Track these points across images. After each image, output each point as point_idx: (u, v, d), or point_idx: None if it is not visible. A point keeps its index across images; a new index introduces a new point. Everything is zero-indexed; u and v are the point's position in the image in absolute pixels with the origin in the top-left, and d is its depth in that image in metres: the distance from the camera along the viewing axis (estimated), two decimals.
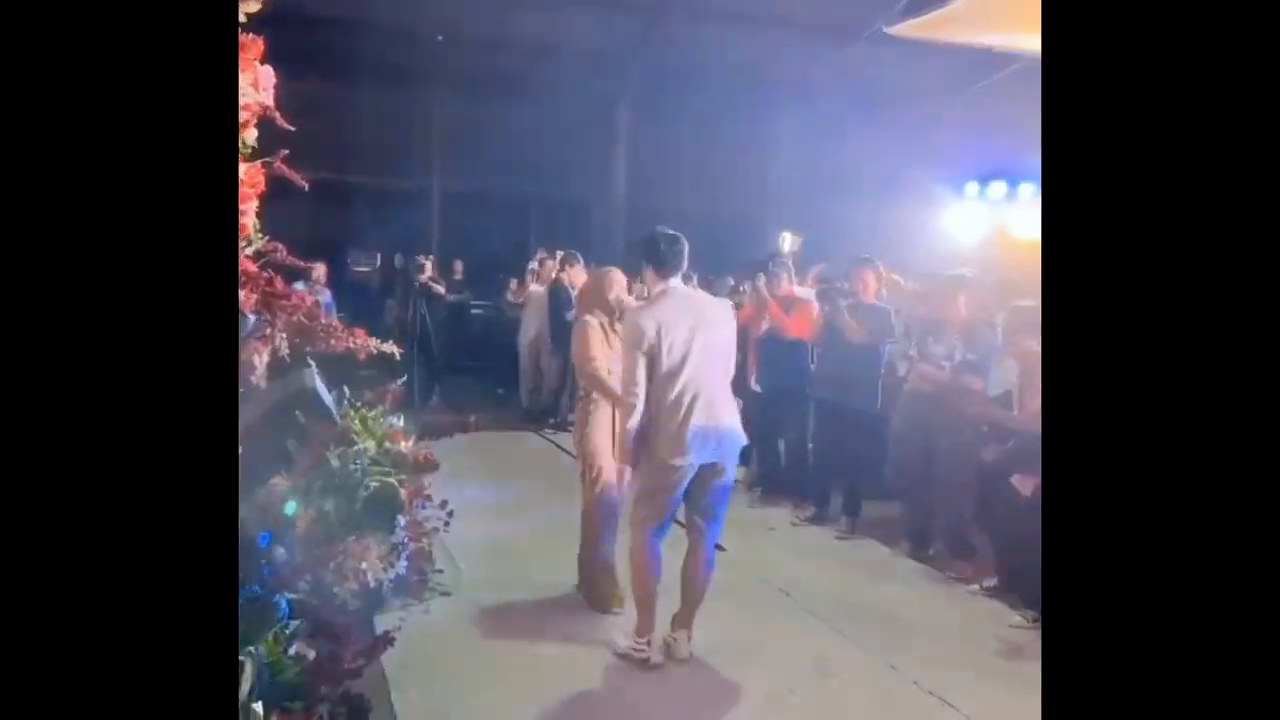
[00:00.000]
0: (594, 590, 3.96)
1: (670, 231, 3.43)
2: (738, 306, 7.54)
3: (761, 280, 5.94)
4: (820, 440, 5.59)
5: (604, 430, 3.90)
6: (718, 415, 3.32)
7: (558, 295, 8.09)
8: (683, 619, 3.60)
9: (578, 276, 8.18)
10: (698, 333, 3.31)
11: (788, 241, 8.16)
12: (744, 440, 3.47)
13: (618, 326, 3.95)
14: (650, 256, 3.39)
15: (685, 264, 3.44)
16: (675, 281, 3.40)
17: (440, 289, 9.70)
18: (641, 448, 3.35)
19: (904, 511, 5.15)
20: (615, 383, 3.65)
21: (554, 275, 8.56)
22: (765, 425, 6.05)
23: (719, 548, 4.86)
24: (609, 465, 3.86)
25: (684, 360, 3.27)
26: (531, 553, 4.67)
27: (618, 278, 4.00)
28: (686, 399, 3.28)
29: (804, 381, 5.77)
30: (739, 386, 6.33)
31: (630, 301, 4.12)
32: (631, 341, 3.28)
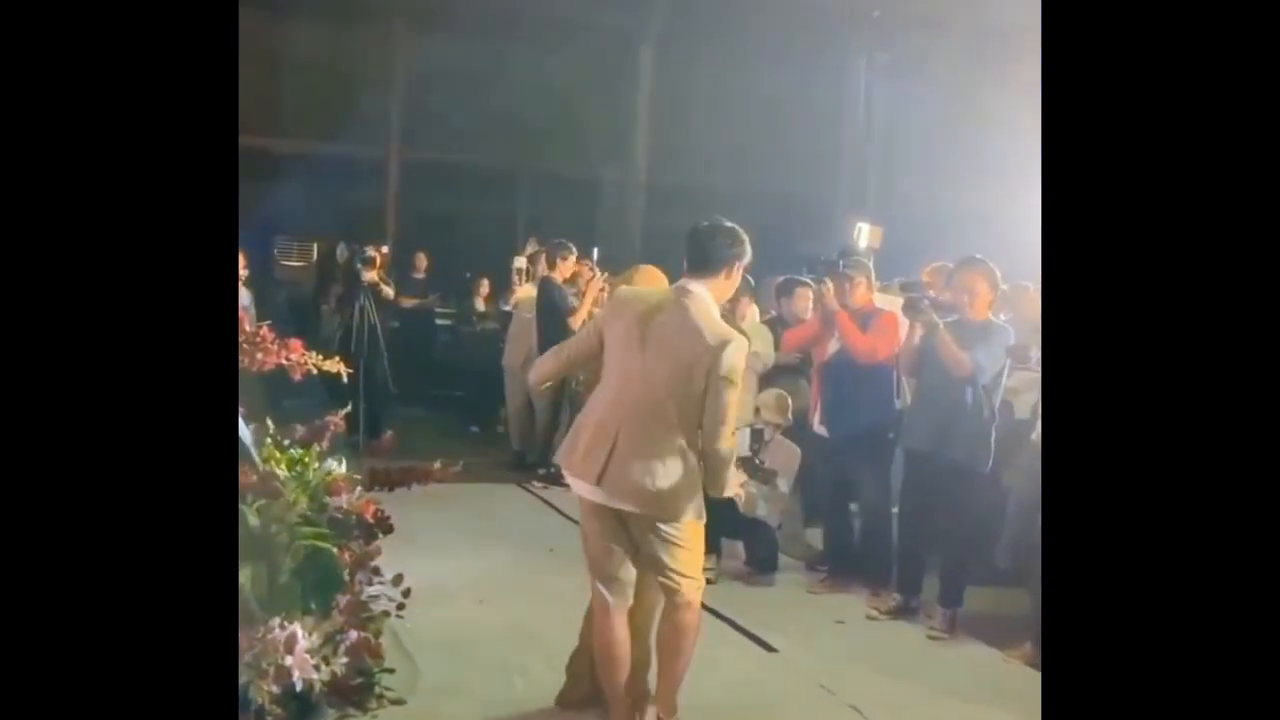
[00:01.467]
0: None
1: (726, 224, 3.64)
2: (794, 322, 7.59)
3: (829, 286, 5.94)
4: (909, 505, 5.56)
5: None
6: (621, 448, 3.46)
7: (549, 297, 8.12)
8: (661, 697, 3.72)
9: (569, 270, 8.23)
10: (656, 351, 3.47)
11: (865, 235, 8.19)
12: (660, 508, 3.47)
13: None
14: (688, 244, 3.63)
15: (729, 269, 3.57)
16: (694, 285, 3.56)
17: (389, 291, 9.76)
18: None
19: (1027, 604, 5.10)
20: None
21: (524, 275, 8.59)
22: (833, 482, 6.02)
23: (767, 647, 4.88)
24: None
25: (616, 369, 3.55)
26: (514, 650, 4.65)
27: (647, 275, 4.02)
28: (598, 411, 3.57)
29: (886, 423, 5.75)
30: (798, 429, 6.42)
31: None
32: (596, 317, 3.79)
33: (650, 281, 3.97)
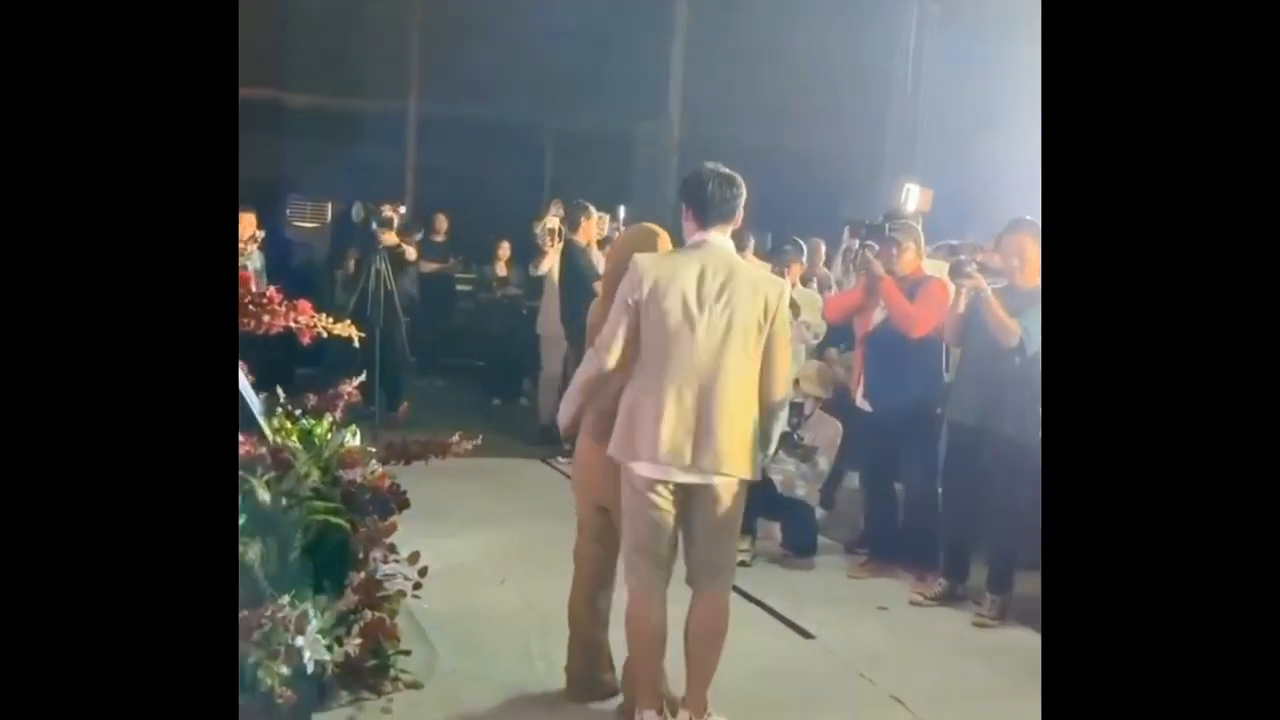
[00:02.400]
0: (626, 685, 3.97)
1: (725, 170, 3.67)
2: (834, 287, 7.54)
3: (874, 252, 5.89)
4: (954, 484, 5.53)
5: None
6: (708, 419, 3.50)
7: (574, 260, 8.11)
8: (691, 698, 3.71)
9: (592, 232, 8.21)
10: (712, 308, 3.52)
11: (914, 197, 8.09)
12: (746, 468, 3.58)
13: None
14: (692, 196, 3.64)
15: (737, 217, 3.65)
16: (716, 236, 3.63)
17: (411, 251, 9.77)
18: (605, 435, 3.63)
19: None
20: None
21: (557, 235, 8.56)
22: (876, 460, 5.99)
23: (804, 633, 4.88)
24: None
25: (676, 337, 3.51)
26: (535, 632, 4.68)
27: (666, 242, 4.00)
28: (666, 387, 3.50)
29: (934, 398, 5.71)
30: (840, 403, 6.39)
31: None
32: (623, 289, 3.58)
33: (660, 242, 3.93)
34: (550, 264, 8.92)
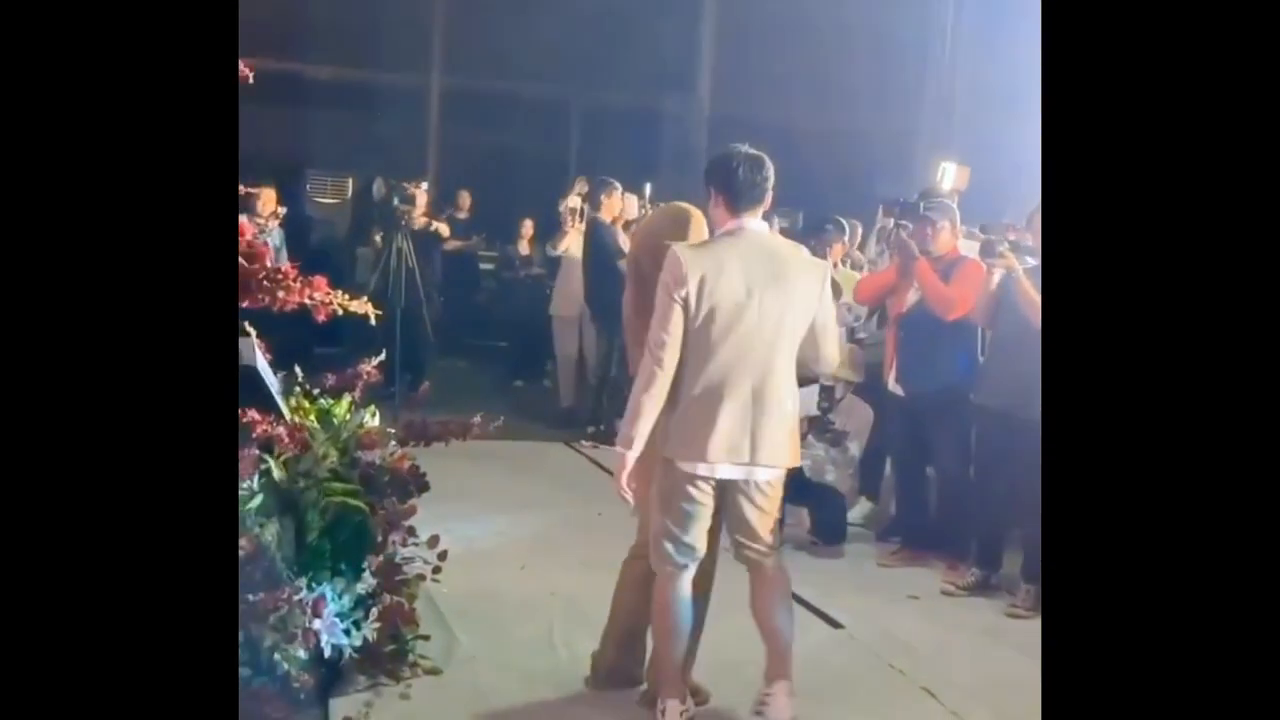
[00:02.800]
0: (650, 675, 3.97)
1: (752, 151, 3.62)
2: (866, 268, 7.48)
3: (908, 232, 5.86)
4: (985, 470, 5.51)
5: None
6: (763, 415, 3.52)
7: (599, 238, 8.10)
8: (774, 668, 3.75)
9: (615, 209, 8.19)
10: (763, 296, 3.50)
11: (950, 175, 8.05)
12: (794, 456, 3.67)
13: None
14: (721, 182, 3.59)
15: (768, 198, 3.62)
16: (751, 221, 3.59)
17: (443, 228, 9.78)
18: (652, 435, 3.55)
19: None
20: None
21: (578, 215, 8.55)
22: (908, 446, 5.97)
23: (833, 623, 4.87)
24: None
25: (729, 330, 3.47)
26: (557, 619, 4.69)
27: (701, 223, 3.96)
28: (722, 383, 3.49)
29: (968, 382, 5.68)
30: (871, 387, 6.37)
31: None
32: (667, 284, 3.48)
33: (694, 222, 3.89)
34: (569, 244, 8.91)
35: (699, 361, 3.50)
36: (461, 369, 10.83)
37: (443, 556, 4.13)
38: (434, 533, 4.12)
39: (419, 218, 8.81)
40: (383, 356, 4.50)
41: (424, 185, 9.64)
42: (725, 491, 3.63)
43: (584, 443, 8.21)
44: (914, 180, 9.41)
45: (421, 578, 4.10)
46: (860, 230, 8.39)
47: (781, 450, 3.60)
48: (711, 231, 3.75)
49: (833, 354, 3.74)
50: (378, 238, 9.85)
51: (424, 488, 4.12)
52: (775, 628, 3.75)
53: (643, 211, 8.15)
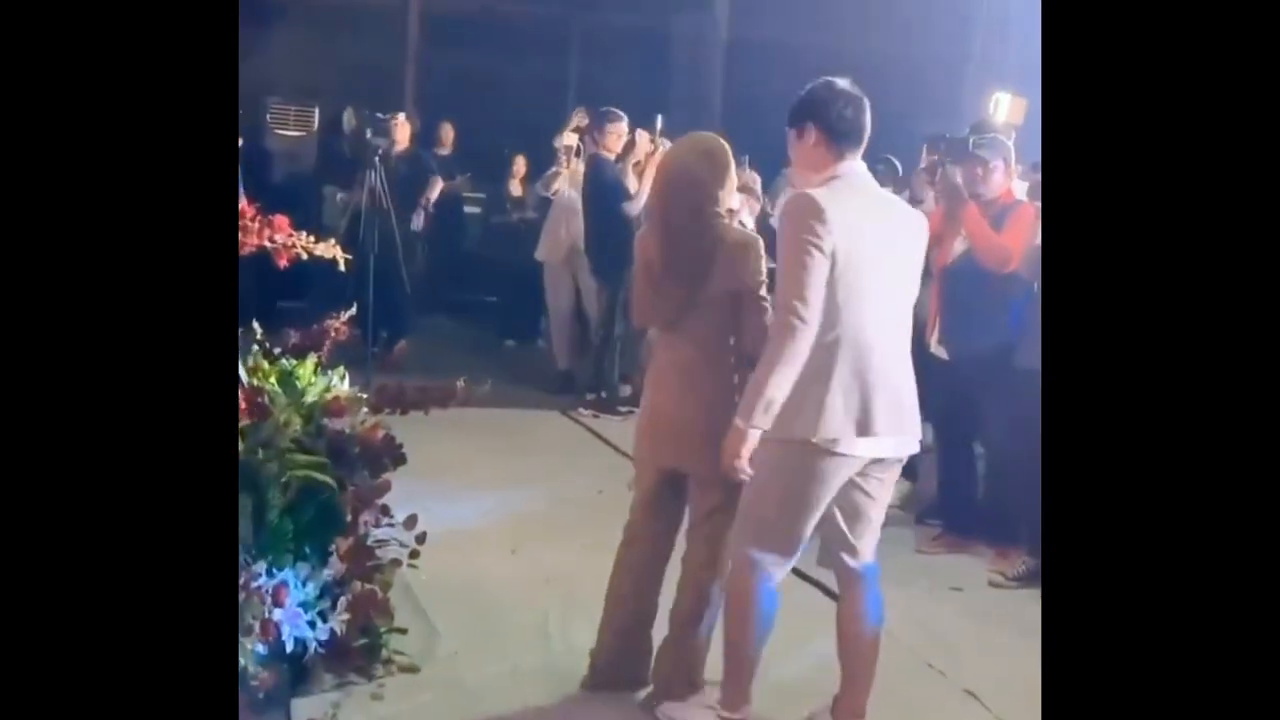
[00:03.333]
0: (657, 674, 3.97)
1: (849, 88, 3.63)
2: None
3: (957, 173, 5.81)
4: (1033, 441, 5.48)
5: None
6: (903, 387, 3.58)
7: (600, 176, 8.05)
8: (848, 706, 3.76)
9: (616, 143, 8.14)
10: (892, 249, 3.55)
11: (1004, 107, 7.99)
12: (918, 434, 3.68)
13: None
14: (823, 116, 3.58)
15: (866, 138, 3.63)
16: (856, 165, 3.60)
17: (455, 184, 9.78)
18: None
19: None
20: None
21: (574, 154, 8.50)
22: (953, 416, 5.96)
23: None
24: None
25: (869, 288, 3.47)
26: (551, 609, 4.71)
27: (725, 158, 3.90)
28: (863, 350, 3.48)
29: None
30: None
31: (742, 209, 4.08)
32: (808, 228, 3.40)
33: (727, 158, 3.87)
34: (561, 185, 8.87)
35: (838, 324, 3.44)
36: (444, 326, 10.84)
37: (421, 539, 4.12)
38: (411, 512, 4.12)
39: (396, 148, 8.76)
40: (354, 311, 4.47)
41: (401, 116, 9.60)
42: (849, 478, 3.61)
43: (583, 411, 8.20)
44: (962, 113, 9.35)
45: (397, 563, 4.10)
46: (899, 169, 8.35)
47: (913, 428, 3.63)
48: (798, 175, 3.77)
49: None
50: (330, 186, 9.88)
51: (400, 461, 4.11)
52: (865, 655, 3.76)
53: (653, 148, 8.09)
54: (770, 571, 3.64)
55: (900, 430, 3.58)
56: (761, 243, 3.88)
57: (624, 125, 8.20)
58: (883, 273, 3.50)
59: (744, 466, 3.49)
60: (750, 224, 4.04)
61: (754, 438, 3.44)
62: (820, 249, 3.37)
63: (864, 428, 3.46)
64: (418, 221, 9.82)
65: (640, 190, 7.72)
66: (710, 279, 3.78)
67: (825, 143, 3.56)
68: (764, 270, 3.81)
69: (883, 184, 6.88)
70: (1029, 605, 5.21)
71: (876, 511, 3.71)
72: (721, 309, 3.81)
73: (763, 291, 3.80)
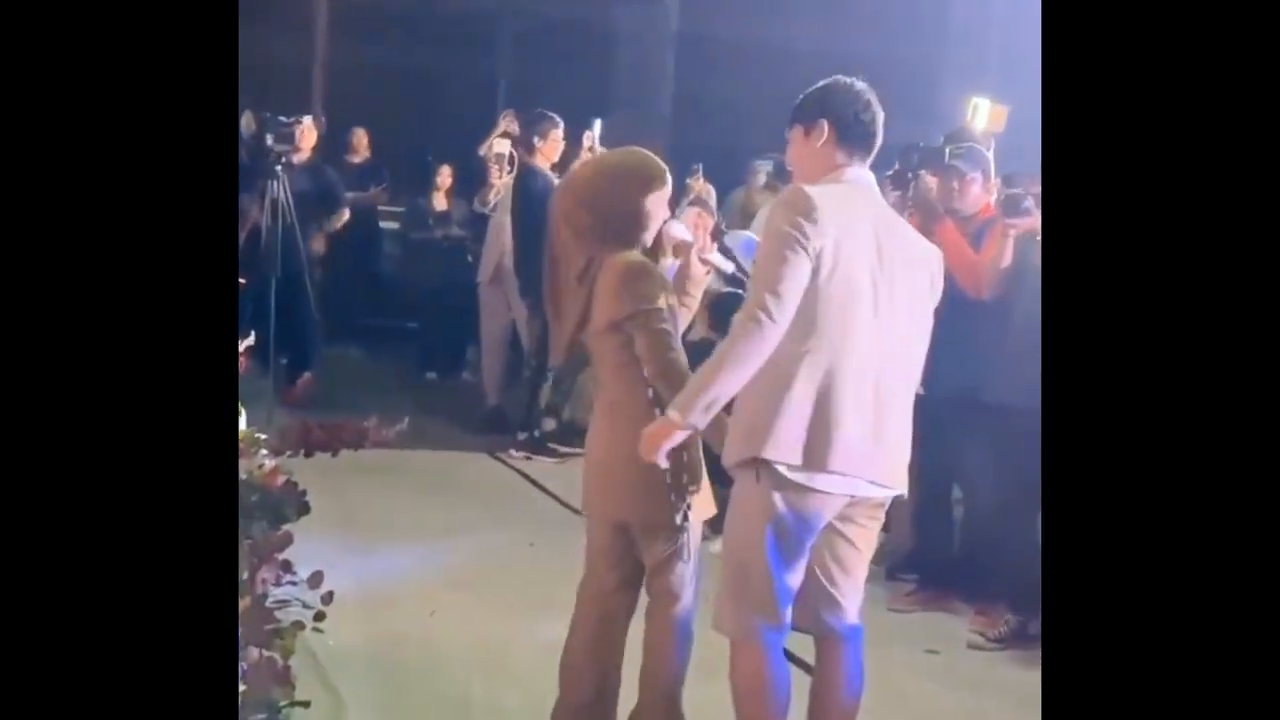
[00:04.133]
0: None
1: (859, 85, 3.69)
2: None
3: (932, 183, 5.87)
4: (1014, 486, 5.52)
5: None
6: (888, 421, 3.54)
7: (528, 191, 8.07)
8: None
9: (553, 151, 8.15)
10: (894, 269, 3.52)
11: (983, 114, 8.08)
12: (905, 482, 3.66)
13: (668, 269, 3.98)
14: (838, 114, 3.63)
15: (874, 152, 3.67)
16: (865, 173, 3.64)
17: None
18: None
19: None
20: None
21: (508, 162, 8.52)
22: (930, 458, 5.98)
23: None
24: (698, 524, 3.88)
25: (860, 304, 3.46)
26: (477, 678, 4.70)
27: (658, 175, 3.93)
28: (848, 376, 3.44)
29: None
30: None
31: (679, 234, 4.11)
32: (793, 224, 3.38)
33: (662, 181, 3.88)
34: (496, 196, 8.89)
35: (822, 342, 3.41)
36: (355, 357, 10.79)
37: (328, 599, 4.08)
38: (316, 569, 4.09)
39: (301, 161, 8.73)
40: (251, 340, 4.45)
41: (307, 120, 9.57)
42: (830, 524, 3.58)
43: (513, 453, 8.19)
44: (938, 120, 9.46)
45: (300, 626, 4.06)
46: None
47: (903, 469, 3.61)
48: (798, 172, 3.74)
49: (922, 360, 3.79)
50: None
51: (304, 510, 4.08)
52: None
53: (589, 156, 8.13)
54: (771, 636, 3.55)
55: (871, 473, 3.51)
56: (654, 266, 3.86)
57: (559, 131, 8.21)
58: (877, 297, 3.47)
59: (659, 460, 3.48)
60: (705, 242, 4.00)
61: (677, 434, 3.44)
62: (804, 247, 3.34)
63: (818, 459, 3.40)
64: (317, 246, 9.72)
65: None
66: (591, 312, 3.81)
67: (836, 143, 3.58)
68: (657, 295, 3.75)
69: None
70: (1014, 668, 5.26)
71: (860, 562, 3.67)
72: (623, 343, 3.78)
73: (658, 321, 3.72)
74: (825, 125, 3.58)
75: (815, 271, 3.36)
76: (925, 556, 6.10)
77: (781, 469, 3.40)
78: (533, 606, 5.07)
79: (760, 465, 3.42)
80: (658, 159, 3.97)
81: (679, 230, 4.14)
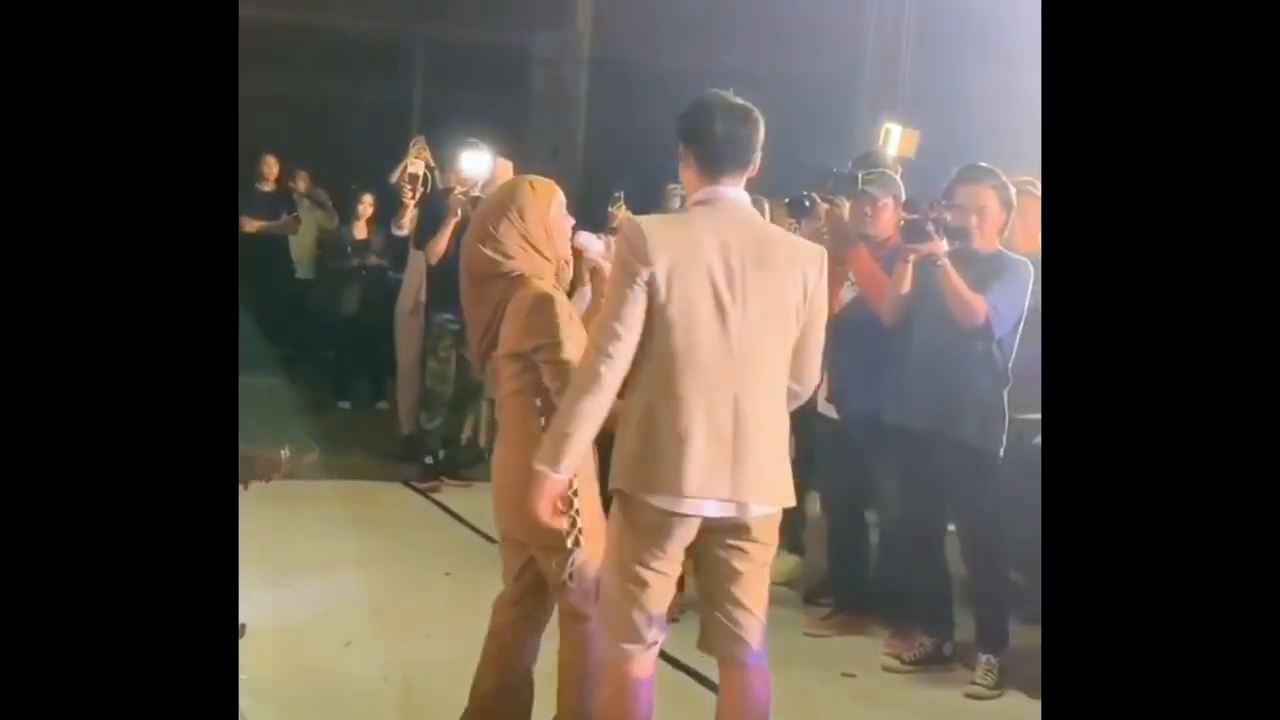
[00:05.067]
0: None
1: (737, 100, 3.62)
2: None
3: (845, 207, 5.92)
4: (919, 508, 5.57)
5: (594, 493, 3.97)
6: (748, 436, 3.50)
7: (435, 212, 8.04)
8: None
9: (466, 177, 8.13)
10: (745, 286, 3.48)
11: (895, 139, 8.17)
12: (790, 494, 3.63)
13: (573, 293, 4.04)
14: (694, 135, 3.58)
15: (755, 162, 3.61)
16: (731, 190, 3.58)
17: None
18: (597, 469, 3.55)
19: None
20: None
21: (420, 183, 8.48)
22: (844, 482, 6.02)
23: None
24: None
25: (705, 327, 3.45)
26: (394, 708, 4.70)
27: (556, 198, 3.98)
28: (695, 395, 3.45)
29: None
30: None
31: (596, 250, 4.12)
32: (625, 261, 3.45)
33: (555, 202, 3.96)
34: (406, 220, 8.78)
35: (665, 365, 3.44)
36: (267, 385, 10.66)
37: (240, 631, 4.06)
38: None
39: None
40: None
41: None
42: (705, 544, 3.56)
43: (429, 481, 8.14)
44: (849, 144, 9.54)
45: None
46: (768, 208, 8.46)
47: (773, 486, 3.55)
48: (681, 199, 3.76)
49: (814, 372, 3.72)
50: None
51: None
52: None
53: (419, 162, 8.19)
54: (644, 659, 3.57)
55: (742, 486, 3.48)
56: (556, 298, 3.89)
57: (488, 157, 8.11)
58: (725, 315, 3.46)
59: (545, 517, 3.52)
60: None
61: (552, 485, 3.47)
62: (637, 283, 3.39)
63: (660, 482, 3.43)
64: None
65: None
66: (499, 340, 3.87)
67: (696, 163, 3.56)
68: (559, 328, 3.80)
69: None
70: (930, 690, 5.30)
71: (751, 589, 3.62)
72: (519, 370, 3.87)
73: (559, 353, 3.79)
74: (682, 147, 3.59)
75: (651, 297, 3.40)
76: (841, 580, 6.11)
77: (625, 493, 3.47)
78: (448, 635, 5.05)
79: (615, 494, 3.51)
80: (537, 178, 4.06)
81: (585, 240, 4.22)
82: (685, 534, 3.50)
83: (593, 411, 3.41)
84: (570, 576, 3.80)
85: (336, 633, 5.37)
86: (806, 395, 3.76)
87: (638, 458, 3.46)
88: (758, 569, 3.61)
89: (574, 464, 3.46)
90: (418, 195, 8.67)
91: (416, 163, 8.84)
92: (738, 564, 3.57)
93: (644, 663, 3.58)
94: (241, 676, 4.19)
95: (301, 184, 11.35)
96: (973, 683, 5.30)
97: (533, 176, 4.08)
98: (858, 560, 6.08)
